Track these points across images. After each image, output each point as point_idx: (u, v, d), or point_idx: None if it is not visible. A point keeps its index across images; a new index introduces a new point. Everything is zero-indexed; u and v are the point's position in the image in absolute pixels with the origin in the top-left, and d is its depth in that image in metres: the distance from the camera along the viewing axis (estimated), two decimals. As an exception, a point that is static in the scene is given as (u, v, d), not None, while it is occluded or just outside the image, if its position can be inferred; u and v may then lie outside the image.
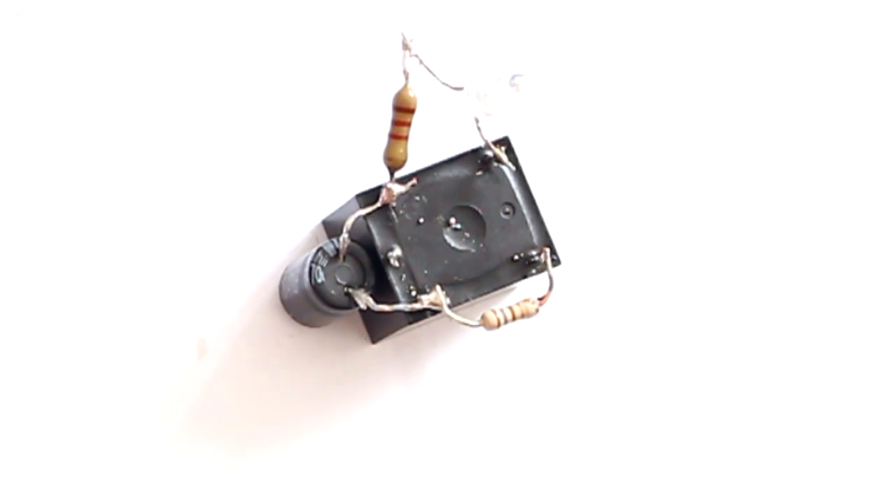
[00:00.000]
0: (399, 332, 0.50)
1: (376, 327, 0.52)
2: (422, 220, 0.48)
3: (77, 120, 0.52)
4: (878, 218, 0.59)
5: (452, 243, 0.48)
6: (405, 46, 0.47)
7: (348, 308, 0.48)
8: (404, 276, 0.47)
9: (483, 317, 0.47)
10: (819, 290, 0.59)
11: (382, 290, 0.48)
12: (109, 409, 0.51)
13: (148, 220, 0.52)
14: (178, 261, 0.52)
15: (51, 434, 0.51)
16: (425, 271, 0.48)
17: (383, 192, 0.48)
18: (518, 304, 0.47)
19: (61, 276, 0.51)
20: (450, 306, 0.47)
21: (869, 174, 0.60)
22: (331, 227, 0.53)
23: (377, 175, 0.48)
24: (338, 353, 0.53)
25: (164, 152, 0.53)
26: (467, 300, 0.48)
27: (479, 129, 0.48)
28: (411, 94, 0.47)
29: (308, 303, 0.49)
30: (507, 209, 0.49)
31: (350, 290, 0.48)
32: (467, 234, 0.49)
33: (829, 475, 0.57)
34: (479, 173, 0.49)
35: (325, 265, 0.48)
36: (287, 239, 0.53)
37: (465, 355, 0.55)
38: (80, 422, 0.51)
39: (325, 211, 0.53)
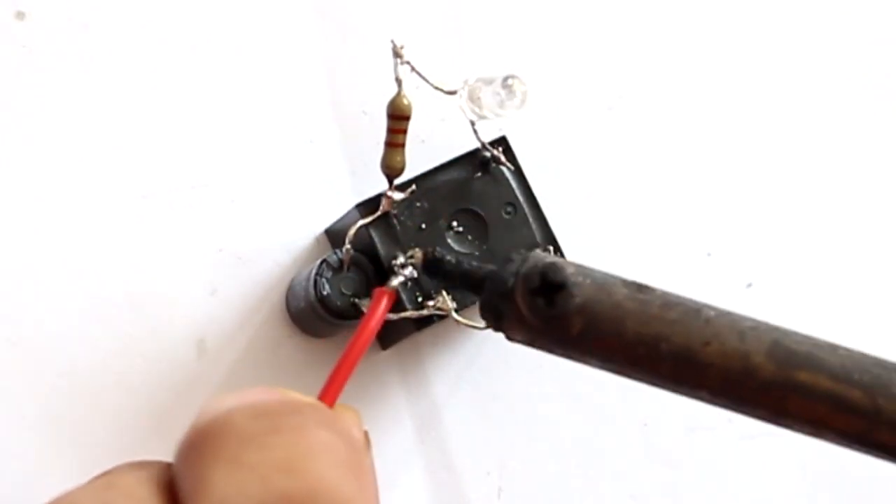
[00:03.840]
0: (409, 337, 0.50)
1: (386, 335, 0.52)
2: (423, 226, 0.48)
3: (78, 120, 0.52)
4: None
5: (455, 246, 0.48)
6: (396, 54, 0.47)
7: (355, 318, 0.48)
8: (409, 282, 0.47)
9: None
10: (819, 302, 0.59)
11: (389, 298, 0.48)
12: (109, 409, 0.51)
13: (150, 226, 0.52)
14: (181, 269, 0.52)
15: (49, 435, 0.51)
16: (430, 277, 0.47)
17: (383, 201, 0.48)
18: (523, 304, 0.47)
19: (60, 275, 0.51)
20: (456, 310, 0.47)
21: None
22: (334, 236, 0.53)
23: (378, 183, 0.48)
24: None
25: (166, 158, 0.53)
26: (474, 303, 0.48)
27: (474, 131, 0.49)
28: (405, 101, 0.47)
29: (315, 315, 0.49)
30: (509, 209, 0.49)
31: (356, 301, 0.48)
32: (470, 237, 0.49)
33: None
34: (478, 175, 0.49)
35: (329, 277, 0.48)
36: (290, 247, 0.53)
37: (470, 358, 0.55)
38: (79, 423, 0.51)
39: (328, 219, 0.53)
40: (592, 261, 0.56)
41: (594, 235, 0.56)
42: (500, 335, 0.54)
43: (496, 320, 0.41)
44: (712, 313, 0.39)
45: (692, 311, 0.39)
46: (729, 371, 0.38)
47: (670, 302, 0.39)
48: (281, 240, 0.53)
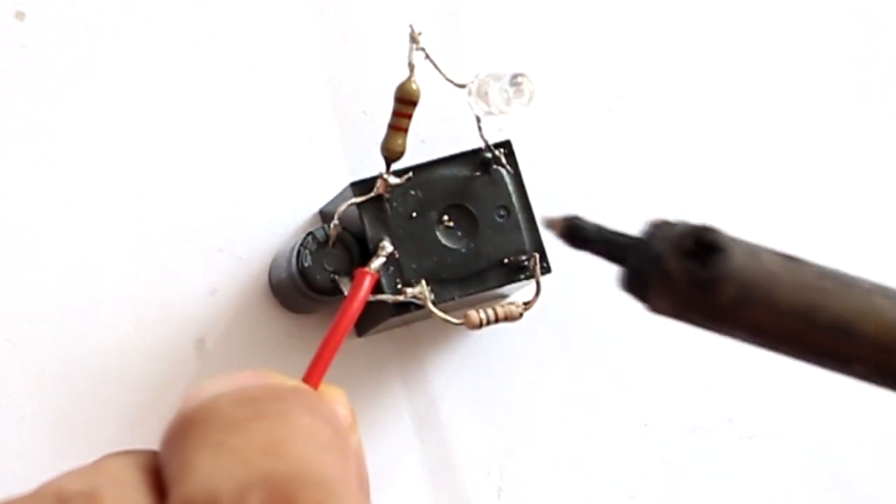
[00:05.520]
0: (384, 324, 0.50)
1: (362, 319, 0.52)
2: (415, 215, 0.48)
3: (78, 120, 0.52)
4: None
5: (443, 240, 0.48)
6: (413, 39, 0.47)
7: (333, 294, 0.48)
8: (392, 268, 0.47)
9: (465, 315, 0.47)
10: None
11: (369, 281, 0.48)
12: (109, 409, 0.51)
13: (150, 226, 0.52)
14: (181, 269, 0.52)
15: (49, 435, 0.51)
16: (413, 265, 0.47)
17: (378, 182, 0.48)
18: (502, 305, 0.47)
19: (60, 275, 0.51)
20: (434, 302, 0.47)
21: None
22: (327, 217, 0.53)
23: (376, 165, 0.48)
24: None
25: (166, 158, 0.53)
26: (453, 298, 0.48)
27: (479, 128, 0.49)
28: (414, 86, 0.47)
29: (294, 287, 0.49)
30: (502, 212, 0.49)
31: (336, 277, 0.48)
32: (459, 233, 0.49)
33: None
34: (478, 174, 0.49)
35: (313, 250, 0.48)
36: (283, 228, 0.53)
37: (470, 357, 0.55)
38: (79, 422, 0.51)
39: (323, 201, 0.53)
40: (589, 264, 0.56)
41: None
42: (499, 335, 0.54)
43: (641, 289, 0.40)
44: (868, 285, 0.39)
45: (848, 281, 0.38)
46: (888, 342, 0.38)
47: (825, 272, 0.39)
48: (281, 240, 0.53)
